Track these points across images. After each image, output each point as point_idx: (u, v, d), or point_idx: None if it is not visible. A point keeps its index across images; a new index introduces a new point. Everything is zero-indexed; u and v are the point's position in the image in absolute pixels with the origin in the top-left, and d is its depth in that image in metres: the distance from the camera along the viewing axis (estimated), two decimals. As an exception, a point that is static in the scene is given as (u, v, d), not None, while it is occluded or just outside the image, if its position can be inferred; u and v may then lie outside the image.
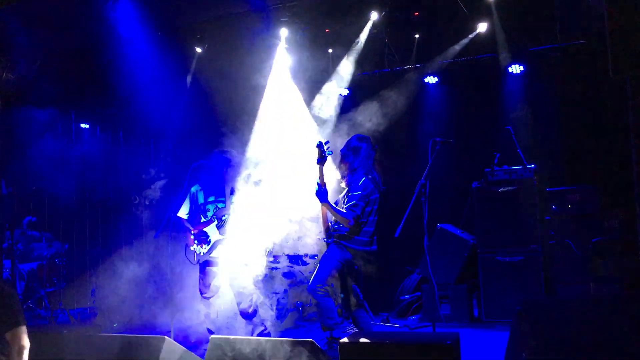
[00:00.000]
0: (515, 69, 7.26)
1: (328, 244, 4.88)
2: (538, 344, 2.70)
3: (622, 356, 2.62)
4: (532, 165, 6.40)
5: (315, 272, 4.91)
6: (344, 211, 4.73)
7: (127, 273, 8.02)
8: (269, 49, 8.06)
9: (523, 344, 2.78)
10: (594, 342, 2.69)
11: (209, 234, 5.81)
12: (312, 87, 8.59)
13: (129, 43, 7.25)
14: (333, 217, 4.91)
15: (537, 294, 6.08)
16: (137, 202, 5.48)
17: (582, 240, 5.87)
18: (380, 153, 7.66)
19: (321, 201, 4.74)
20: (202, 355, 3.63)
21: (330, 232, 4.85)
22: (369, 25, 7.55)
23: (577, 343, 2.71)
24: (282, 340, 3.77)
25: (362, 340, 3.38)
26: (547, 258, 6.25)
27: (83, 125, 9.25)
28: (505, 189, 6.42)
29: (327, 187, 4.79)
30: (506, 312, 6.04)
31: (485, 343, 5.44)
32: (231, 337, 4.80)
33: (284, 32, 7.82)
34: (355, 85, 8.27)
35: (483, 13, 7.11)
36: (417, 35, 7.57)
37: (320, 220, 5.05)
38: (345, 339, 3.38)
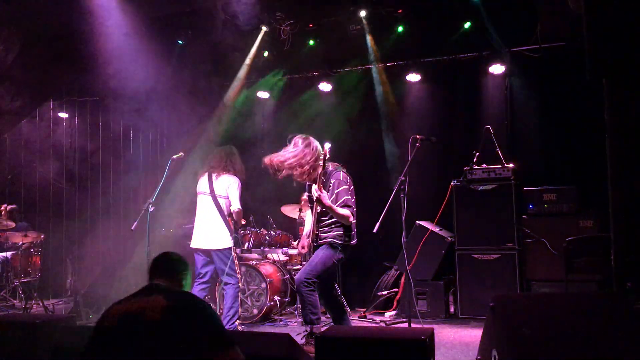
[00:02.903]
0: (497, 69, 7.31)
1: (317, 246, 4.74)
2: (509, 340, 2.74)
3: (592, 353, 2.66)
4: (511, 165, 6.48)
5: (306, 266, 4.73)
6: (344, 210, 4.55)
7: (103, 264, 7.94)
8: (250, 42, 8.05)
9: (494, 339, 2.81)
10: (566, 339, 2.73)
11: None
12: (291, 81, 8.58)
13: (109, 32, 7.16)
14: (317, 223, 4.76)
15: (512, 291, 6.16)
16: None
17: (557, 239, 5.95)
18: (361, 149, 7.72)
19: (324, 204, 4.53)
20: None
21: (320, 235, 4.73)
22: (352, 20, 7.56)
23: (548, 340, 2.74)
24: (258, 333, 3.77)
25: (338, 335, 3.39)
26: (523, 256, 6.34)
27: (61, 115, 9.14)
28: (484, 187, 6.49)
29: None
30: (482, 309, 6.10)
31: (459, 339, 5.50)
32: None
33: (265, 25, 7.82)
34: (337, 81, 8.27)
35: (466, 12, 7.16)
36: (399, 30, 7.58)
37: (310, 226, 4.85)
38: (321, 334, 3.40)
